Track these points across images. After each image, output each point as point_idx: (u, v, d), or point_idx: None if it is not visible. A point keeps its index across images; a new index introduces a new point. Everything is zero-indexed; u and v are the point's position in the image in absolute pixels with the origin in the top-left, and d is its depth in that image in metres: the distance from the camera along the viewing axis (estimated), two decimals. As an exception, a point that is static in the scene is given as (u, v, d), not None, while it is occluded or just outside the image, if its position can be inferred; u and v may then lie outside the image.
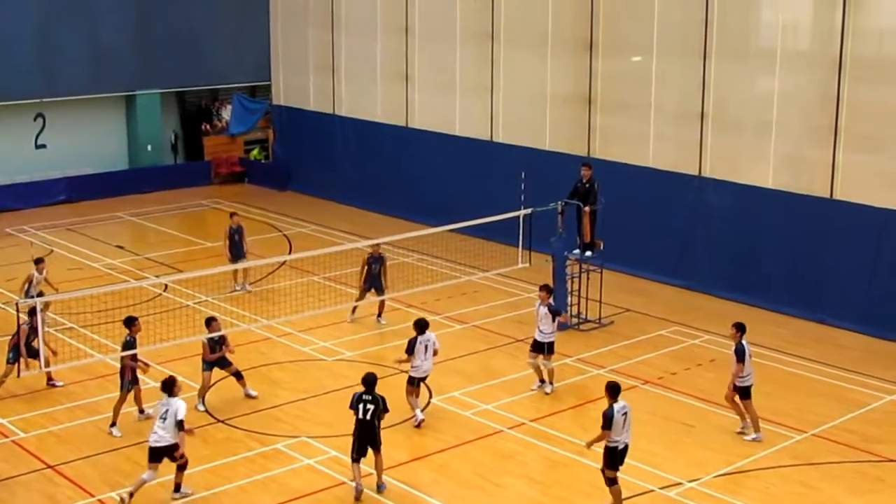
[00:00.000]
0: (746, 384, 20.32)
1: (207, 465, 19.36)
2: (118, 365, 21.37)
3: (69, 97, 40.06)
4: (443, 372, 23.54)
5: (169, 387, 18.13)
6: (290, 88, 41.61)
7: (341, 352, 24.64)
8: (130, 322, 21.01)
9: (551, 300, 22.95)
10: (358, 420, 18.12)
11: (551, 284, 23.89)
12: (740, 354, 20.05)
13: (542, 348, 22.62)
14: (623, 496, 17.83)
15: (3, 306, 26.98)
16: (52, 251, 32.51)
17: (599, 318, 26.70)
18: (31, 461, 19.58)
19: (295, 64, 41.20)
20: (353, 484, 18.19)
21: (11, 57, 38.36)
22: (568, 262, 26.43)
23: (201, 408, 21.55)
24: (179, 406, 17.95)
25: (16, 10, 38.24)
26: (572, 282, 26.49)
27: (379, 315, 26.81)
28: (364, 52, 38.00)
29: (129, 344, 20.76)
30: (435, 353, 21.20)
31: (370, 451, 18.29)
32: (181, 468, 18.25)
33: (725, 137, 28.51)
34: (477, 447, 20.26)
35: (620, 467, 17.52)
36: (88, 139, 41.29)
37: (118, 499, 17.89)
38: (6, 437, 20.53)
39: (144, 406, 21.21)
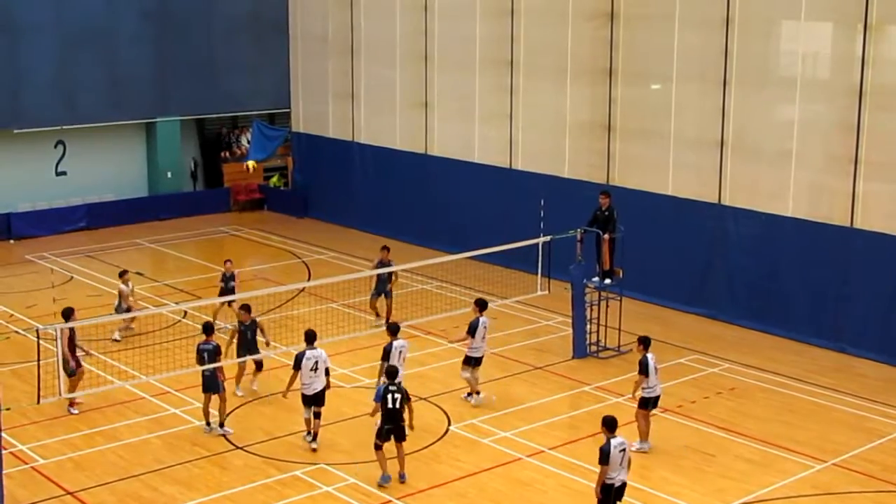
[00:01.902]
0: (650, 395, 20.89)
1: (226, 492, 19.36)
2: (137, 391, 21.49)
3: (89, 124, 40.25)
4: (461, 400, 23.54)
5: (311, 339, 20.98)
6: (310, 115, 41.74)
7: (360, 378, 24.61)
8: (209, 329, 22.03)
9: (477, 315, 23.39)
10: (387, 409, 19.30)
11: (485, 300, 24.10)
12: (643, 367, 20.67)
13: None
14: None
15: (23, 333, 27.03)
16: (71, 278, 32.64)
17: (618, 346, 26.64)
18: (50, 487, 19.59)
19: (314, 91, 41.33)
20: (381, 474, 19.55)
21: (32, 84, 38.62)
22: (587, 290, 26.38)
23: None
24: (327, 355, 21.12)
25: (36, 38, 38.46)
26: (591, 309, 26.45)
27: (387, 319, 27.54)
28: (383, 80, 38.10)
29: (216, 350, 21.69)
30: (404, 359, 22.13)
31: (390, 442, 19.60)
32: (318, 416, 21.02)
33: (745, 166, 28.46)
34: (495, 475, 20.19)
35: None
36: (108, 166, 41.48)
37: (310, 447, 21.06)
38: (25, 463, 20.54)
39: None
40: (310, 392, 20.90)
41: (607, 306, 26.70)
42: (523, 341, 27.36)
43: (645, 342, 20.94)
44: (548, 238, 26.04)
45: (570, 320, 26.64)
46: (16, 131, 38.61)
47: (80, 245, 37.19)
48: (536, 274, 26.30)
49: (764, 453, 21.09)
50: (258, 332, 23.79)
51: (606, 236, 26.12)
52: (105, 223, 39.78)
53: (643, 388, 20.79)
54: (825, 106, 27.01)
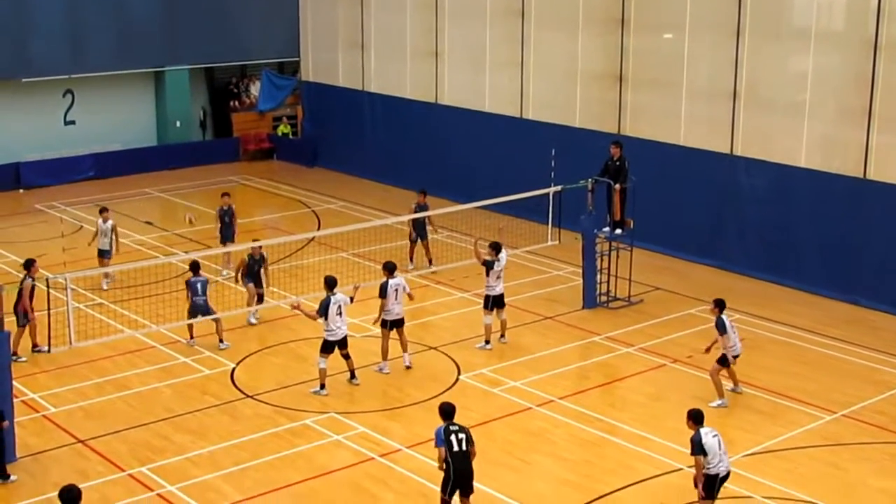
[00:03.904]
0: (733, 353, 21.04)
1: (236, 441, 19.41)
2: (147, 340, 21.91)
3: (98, 73, 40.07)
4: (471, 349, 23.57)
5: (332, 285, 21.35)
6: (320, 64, 41.53)
7: (370, 328, 24.55)
8: (197, 266, 23.86)
9: (488, 257, 23.59)
10: (453, 454, 15.99)
11: (500, 243, 23.97)
12: (721, 327, 20.78)
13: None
14: (653, 475, 17.77)
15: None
16: (81, 227, 32.59)
17: (629, 297, 26.60)
18: (62, 436, 19.67)
19: (324, 40, 41.10)
20: None
21: (40, 33, 38.41)
22: (597, 241, 26.30)
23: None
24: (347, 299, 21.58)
25: (45, -15, 38.30)
26: (602, 260, 26.38)
27: (429, 262, 28.78)
28: (394, 28, 37.87)
29: (207, 282, 23.78)
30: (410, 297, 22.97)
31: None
32: (347, 357, 21.56)
33: (758, 116, 28.28)
34: (505, 424, 20.23)
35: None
36: (117, 115, 41.35)
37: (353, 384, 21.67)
38: (37, 411, 20.62)
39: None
40: (335, 338, 21.26)
41: (618, 257, 26.62)
42: (533, 291, 27.31)
43: (720, 304, 20.95)
44: (558, 188, 25.95)
45: (580, 270, 26.59)
46: (24, 80, 38.44)
47: (89, 195, 37.12)
48: (547, 224, 26.21)
49: (774, 404, 21.09)
50: (264, 268, 25.19)
51: (617, 186, 25.99)
52: (114, 173, 39.71)
53: (726, 348, 20.89)
54: (839, 57, 26.78)
